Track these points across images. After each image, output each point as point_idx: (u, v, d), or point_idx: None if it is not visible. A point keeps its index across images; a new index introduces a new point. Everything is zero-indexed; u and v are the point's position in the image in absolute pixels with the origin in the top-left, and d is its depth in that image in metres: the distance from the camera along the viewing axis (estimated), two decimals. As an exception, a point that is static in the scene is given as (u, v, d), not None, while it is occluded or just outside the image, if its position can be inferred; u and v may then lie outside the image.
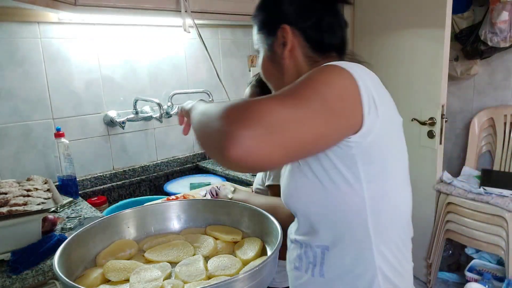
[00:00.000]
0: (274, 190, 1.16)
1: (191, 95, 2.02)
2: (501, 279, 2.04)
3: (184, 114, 0.87)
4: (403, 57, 2.23)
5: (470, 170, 2.38)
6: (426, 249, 2.31)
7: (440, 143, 2.14)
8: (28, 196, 1.08)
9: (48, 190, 1.16)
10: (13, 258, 0.98)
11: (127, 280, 0.71)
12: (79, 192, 1.61)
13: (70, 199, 1.48)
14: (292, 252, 0.80)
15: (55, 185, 1.33)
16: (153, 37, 1.88)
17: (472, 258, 2.28)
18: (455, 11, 2.08)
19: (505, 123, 2.38)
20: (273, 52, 0.78)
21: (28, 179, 1.25)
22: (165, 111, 1.87)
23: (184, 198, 1.47)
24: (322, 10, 0.75)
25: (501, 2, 2.10)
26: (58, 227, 1.22)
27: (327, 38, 0.75)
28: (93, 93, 1.72)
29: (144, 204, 1.02)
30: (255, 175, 1.64)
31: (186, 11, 1.60)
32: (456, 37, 2.38)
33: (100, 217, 1.06)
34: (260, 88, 1.20)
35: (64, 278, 0.61)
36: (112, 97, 1.78)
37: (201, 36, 1.77)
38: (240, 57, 2.24)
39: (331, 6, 0.77)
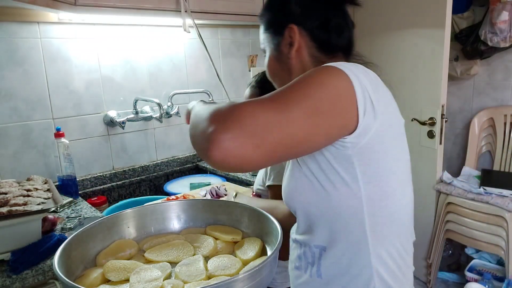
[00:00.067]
0: (274, 190, 1.16)
1: (191, 95, 2.02)
2: (501, 279, 2.04)
3: (187, 114, 0.87)
4: (403, 57, 2.23)
5: (470, 170, 2.39)
6: (426, 249, 2.31)
7: (440, 143, 2.14)
8: (28, 196, 1.08)
9: (48, 190, 1.16)
10: (13, 258, 0.98)
11: (127, 280, 0.71)
12: (79, 192, 1.61)
13: (70, 199, 1.48)
14: (293, 252, 0.81)
15: (55, 185, 1.34)
16: (153, 37, 1.88)
17: (472, 258, 2.28)
18: (455, 11, 2.08)
19: (505, 123, 2.38)
20: (279, 51, 0.78)
21: (28, 179, 1.25)
22: (165, 111, 1.87)
23: (184, 198, 1.47)
24: (330, 11, 0.75)
25: (501, 2, 2.10)
26: (58, 227, 1.22)
27: (334, 38, 0.75)
28: (93, 93, 1.72)
29: (144, 204, 1.02)
30: (255, 175, 1.64)
31: (186, 11, 1.60)
32: (456, 37, 2.38)
33: (100, 217, 1.06)
34: (260, 89, 1.20)
35: (64, 278, 0.61)
36: (112, 97, 1.78)
37: (201, 36, 1.77)
38: (240, 57, 2.24)
39: (339, 7, 0.77)
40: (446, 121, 2.14)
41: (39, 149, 1.59)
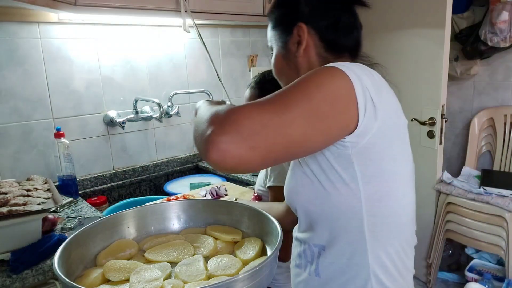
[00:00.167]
0: (275, 191, 1.16)
1: (191, 95, 2.02)
2: (501, 279, 2.04)
3: (195, 114, 0.88)
4: (403, 57, 2.23)
5: (470, 170, 2.38)
6: (426, 249, 2.31)
7: (440, 143, 2.14)
8: (28, 196, 1.08)
9: (48, 190, 1.16)
10: (13, 258, 0.98)
11: (127, 280, 0.71)
12: (79, 192, 1.61)
13: (70, 199, 1.48)
14: (294, 250, 0.82)
15: (55, 185, 1.34)
16: (153, 37, 1.88)
17: (472, 258, 2.28)
18: (455, 11, 2.08)
19: (505, 123, 2.38)
20: (287, 49, 0.78)
21: (28, 179, 1.25)
22: (165, 111, 1.87)
23: (184, 198, 1.47)
24: (339, 11, 0.75)
25: (501, 2, 2.10)
26: (58, 227, 1.22)
27: (342, 39, 0.76)
28: (93, 93, 1.72)
29: (144, 204, 1.02)
30: (256, 175, 1.65)
31: (186, 11, 1.60)
32: (456, 37, 2.38)
33: (100, 217, 1.06)
34: (259, 89, 1.20)
35: (64, 278, 0.61)
36: (112, 97, 1.78)
37: (201, 36, 1.77)
38: (240, 57, 2.24)
39: (348, 8, 0.77)
40: (446, 121, 2.14)
41: (39, 149, 1.59)
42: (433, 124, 2.12)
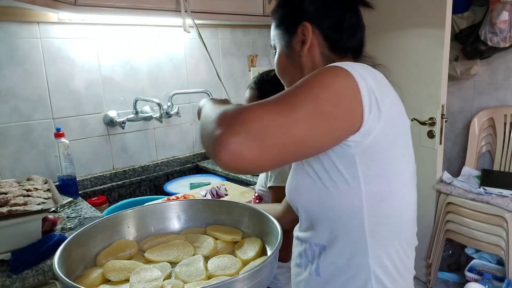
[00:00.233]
0: (275, 191, 1.16)
1: (191, 95, 2.02)
2: (501, 279, 2.04)
3: (198, 112, 0.88)
4: (403, 57, 2.23)
5: (470, 170, 2.38)
6: (426, 249, 2.31)
7: (440, 143, 2.14)
8: (28, 196, 1.08)
9: (48, 190, 1.16)
10: (13, 258, 0.98)
11: (127, 280, 0.71)
12: (79, 192, 1.61)
13: (70, 199, 1.48)
14: (295, 249, 0.82)
15: (55, 185, 1.34)
16: (153, 37, 1.88)
17: (472, 258, 2.28)
18: (455, 11, 2.08)
19: (505, 123, 2.38)
20: (290, 48, 0.78)
21: (28, 179, 1.25)
22: (165, 111, 1.87)
23: (184, 198, 1.47)
24: (344, 11, 0.75)
25: (501, 2, 2.10)
26: (58, 227, 1.22)
27: (346, 39, 0.76)
28: (93, 93, 1.72)
29: (144, 204, 1.02)
30: (257, 175, 1.65)
31: (186, 11, 1.60)
32: (456, 37, 2.38)
33: (100, 217, 1.06)
34: (258, 90, 1.20)
35: (64, 278, 0.61)
36: (112, 97, 1.78)
37: (201, 36, 1.77)
38: (240, 57, 2.24)
39: (353, 8, 0.77)
40: (446, 121, 2.14)
41: (39, 149, 1.59)
42: (433, 124, 2.12)
